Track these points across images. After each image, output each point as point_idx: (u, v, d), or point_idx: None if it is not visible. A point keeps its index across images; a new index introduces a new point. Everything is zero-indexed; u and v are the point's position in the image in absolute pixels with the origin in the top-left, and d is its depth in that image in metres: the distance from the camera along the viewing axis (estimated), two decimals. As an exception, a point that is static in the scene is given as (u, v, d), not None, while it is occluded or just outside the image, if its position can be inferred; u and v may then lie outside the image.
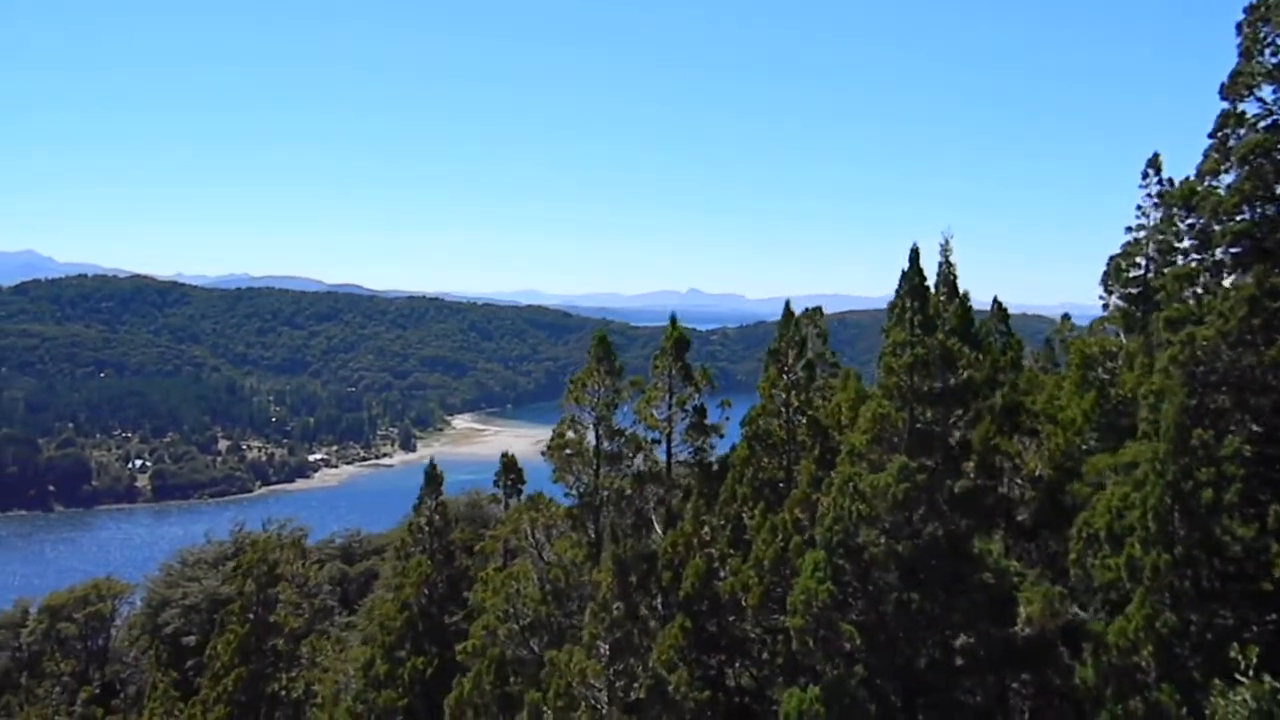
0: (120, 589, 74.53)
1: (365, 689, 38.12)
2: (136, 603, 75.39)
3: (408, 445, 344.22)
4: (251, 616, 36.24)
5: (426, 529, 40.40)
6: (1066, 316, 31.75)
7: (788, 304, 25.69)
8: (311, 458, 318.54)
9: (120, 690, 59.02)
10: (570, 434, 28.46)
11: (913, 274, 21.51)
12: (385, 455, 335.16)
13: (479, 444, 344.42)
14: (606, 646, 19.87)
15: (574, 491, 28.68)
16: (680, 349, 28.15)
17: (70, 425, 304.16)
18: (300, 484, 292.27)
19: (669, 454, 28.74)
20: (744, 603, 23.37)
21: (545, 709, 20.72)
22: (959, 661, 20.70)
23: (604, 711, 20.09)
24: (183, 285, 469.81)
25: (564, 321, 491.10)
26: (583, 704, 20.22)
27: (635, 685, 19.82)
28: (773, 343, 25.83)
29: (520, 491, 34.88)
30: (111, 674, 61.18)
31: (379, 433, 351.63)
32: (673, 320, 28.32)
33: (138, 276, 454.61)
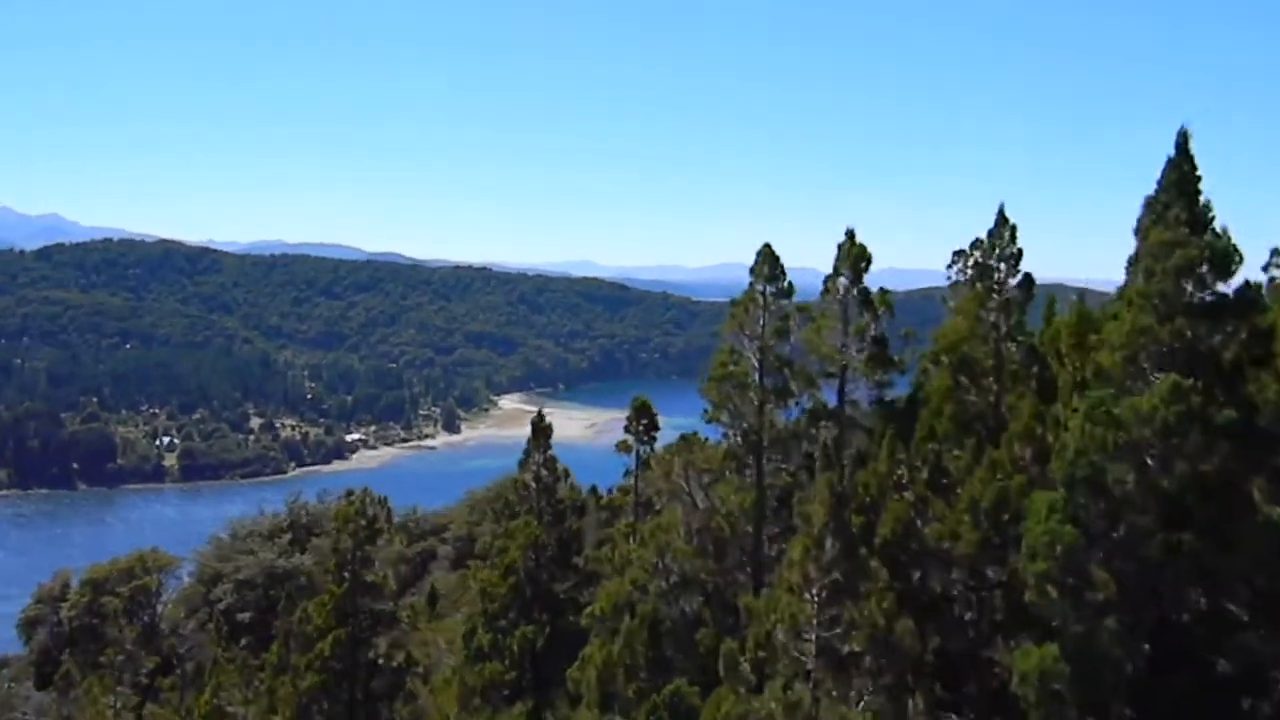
0: (167, 562, 75.69)
1: (468, 660, 37.78)
2: (184, 577, 76.50)
3: (451, 426, 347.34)
4: (347, 575, 35.88)
5: (534, 485, 39.93)
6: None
7: (1001, 207, 24.11)
8: (349, 438, 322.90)
9: (177, 666, 59.73)
10: (731, 365, 27.33)
11: (1180, 161, 19.91)
12: (427, 436, 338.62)
13: (527, 426, 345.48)
14: (818, 589, 18.75)
15: (733, 431, 27.61)
16: (859, 266, 26.81)
17: (95, 399, 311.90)
18: (337, 465, 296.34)
19: (842, 389, 27.51)
20: (954, 552, 22.07)
21: (742, 660, 19.73)
22: (1233, 617, 19.22)
23: (809, 664, 19.00)
24: (214, 251, 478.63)
25: (620, 295, 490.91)
26: (784, 656, 19.15)
27: (852, 634, 18.68)
28: (979, 250, 24.36)
29: (654, 439, 33.94)
30: (168, 648, 61.95)
31: (420, 413, 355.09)
32: (850, 236, 26.90)
33: (166, 242, 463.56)
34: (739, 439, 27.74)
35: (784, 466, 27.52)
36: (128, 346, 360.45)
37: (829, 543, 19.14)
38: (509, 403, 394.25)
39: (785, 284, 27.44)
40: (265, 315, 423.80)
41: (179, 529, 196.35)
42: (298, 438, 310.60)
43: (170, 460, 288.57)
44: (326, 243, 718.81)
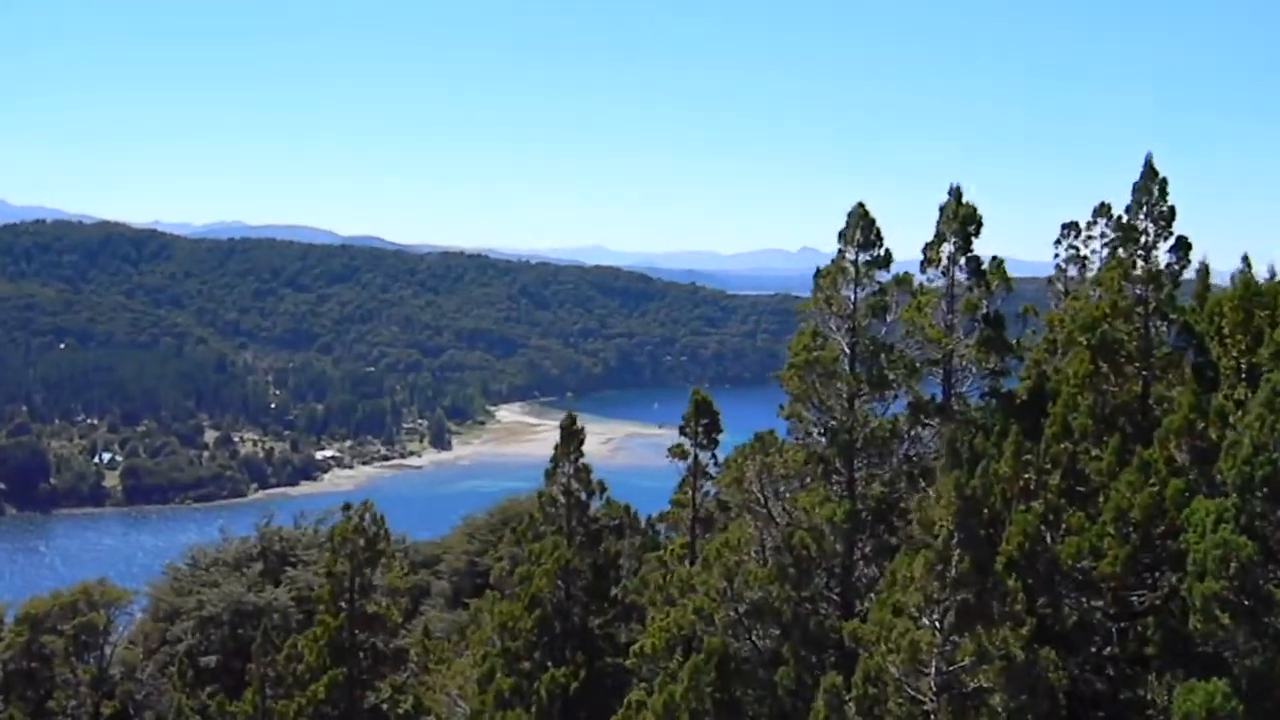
0: (117, 595, 75.54)
1: (485, 708, 37.49)
2: (136, 613, 76.55)
3: (440, 442, 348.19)
4: (344, 605, 35.64)
5: (563, 500, 39.60)
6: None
7: (1149, 158, 23.56)
8: (320, 455, 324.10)
9: (134, 715, 59.66)
10: (815, 350, 26.88)
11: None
12: (412, 454, 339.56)
13: (530, 442, 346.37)
14: (940, 612, 18.29)
15: (818, 430, 27.20)
16: (967, 230, 26.35)
17: (23, 408, 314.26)
18: (306, 487, 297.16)
19: (948, 379, 27.05)
20: (1096, 570, 21.58)
21: (847, 699, 19.31)
22: None
23: (929, 703, 18.55)
24: (162, 235, 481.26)
25: (641, 286, 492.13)
26: (898, 693, 18.70)
27: (982, 667, 18.19)
28: (1130, 211, 23.85)
29: (715, 442, 33.63)
30: (122, 694, 61.90)
31: (404, 425, 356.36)
32: (957, 194, 26.42)
33: (107, 224, 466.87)
34: (825, 439, 27.30)
35: (879, 472, 27.08)
36: (61, 346, 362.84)
37: (955, 557, 18.68)
38: (509, 414, 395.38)
39: (881, 252, 26.96)
40: (222, 309, 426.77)
41: (124, 559, 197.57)
42: (260, 454, 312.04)
43: (111, 480, 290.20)
44: (294, 224, 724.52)
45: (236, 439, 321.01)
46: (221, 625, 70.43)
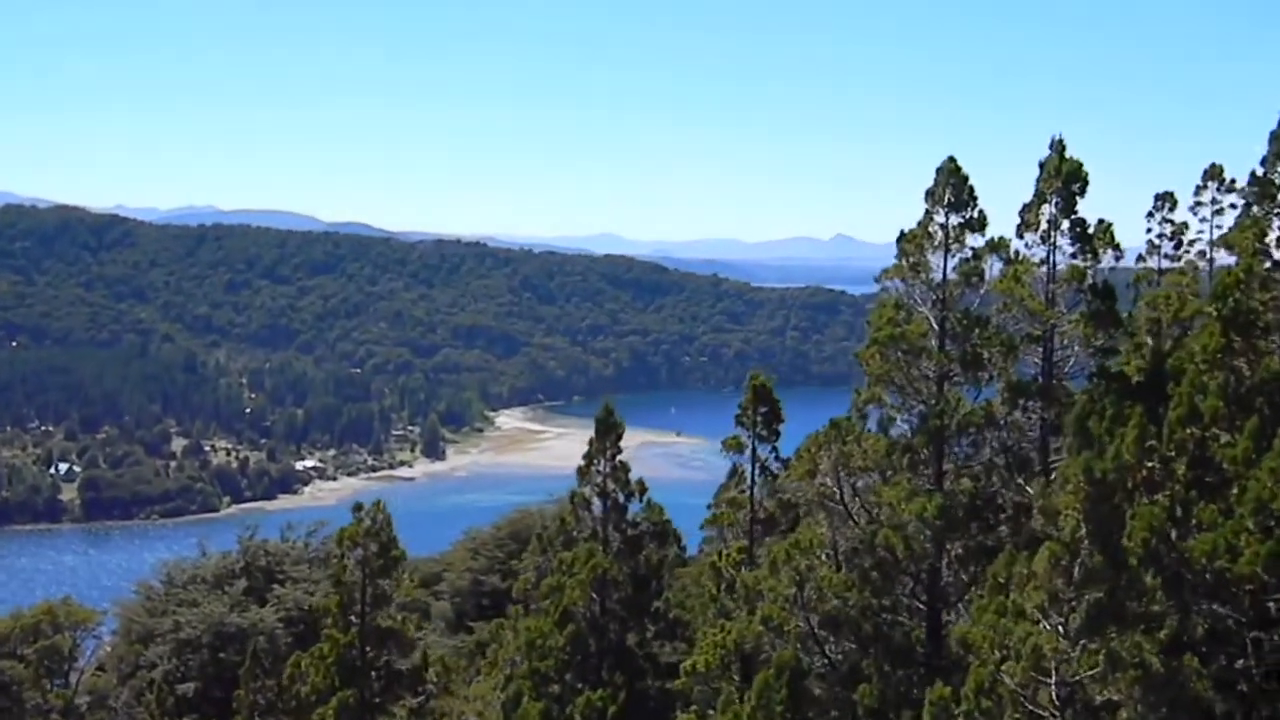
0: (84, 617, 75.64)
1: (512, 737, 37.28)
2: (104, 636, 76.53)
3: (434, 451, 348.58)
4: (355, 619, 35.40)
5: (599, 502, 39.39)
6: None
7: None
8: (300, 465, 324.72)
9: (108, 748, 59.59)
10: (899, 324, 26.46)
11: None
12: (403, 464, 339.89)
13: (533, 450, 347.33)
14: (1065, 613, 17.82)
15: (901, 414, 26.79)
16: (1071, 189, 25.89)
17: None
18: (284, 501, 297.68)
19: (1049, 357, 26.62)
20: (1231, 571, 21.06)
21: (957, 712, 18.85)
22: None
23: (1049, 715, 18.09)
24: (125, 220, 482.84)
25: (658, 278, 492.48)
26: (1015, 707, 18.25)
27: (1114, 676, 17.71)
28: (1266, 163, 23.35)
29: (776, 433, 33.25)
30: (94, 724, 61.84)
31: (394, 433, 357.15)
32: (1059, 148, 25.91)
33: (64, 208, 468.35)
34: (911, 425, 26.87)
35: (972, 463, 26.62)
36: (13, 344, 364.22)
37: (1084, 550, 18.21)
38: (510, 420, 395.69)
39: (974, 213, 26.47)
40: (192, 303, 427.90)
41: (85, 580, 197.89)
42: (233, 465, 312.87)
43: (69, 493, 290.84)
44: (272, 209, 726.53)
45: (207, 448, 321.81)
46: (201, 649, 70.29)
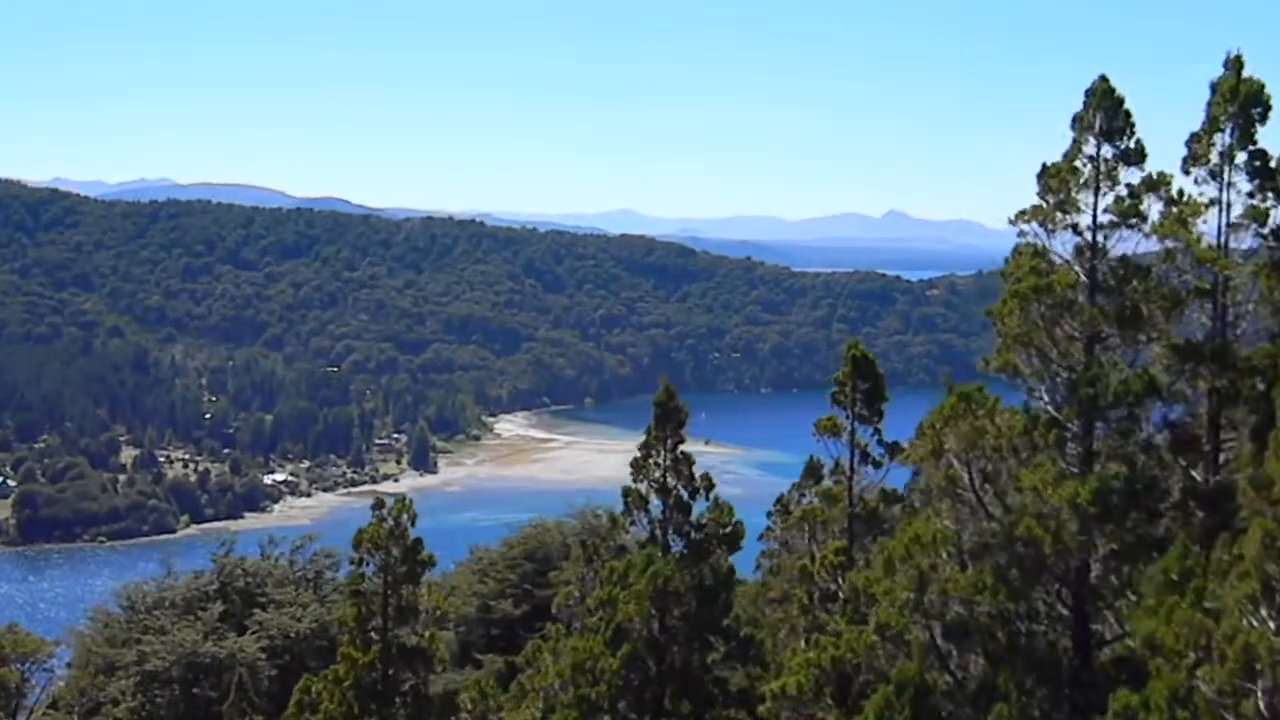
0: (33, 647, 75.40)
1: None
2: (56, 669, 76.39)
3: (423, 463, 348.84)
4: (375, 635, 35.09)
5: (658, 501, 39.34)
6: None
7: None
8: (269, 479, 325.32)
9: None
10: (1042, 274, 25.82)
11: None
12: (387, 478, 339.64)
13: (539, 461, 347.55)
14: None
15: (1043, 387, 26.19)
16: (1249, 116, 25.23)
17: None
18: (251, 520, 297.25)
19: (1221, 315, 26.00)
20: None
21: (1145, 724, 18.28)
22: None
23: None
24: (66, 196, 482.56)
25: (683, 262, 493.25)
26: (1207, 713, 17.69)
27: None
28: None
29: (879, 413, 32.73)
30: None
31: (377, 441, 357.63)
32: (1236, 64, 25.22)
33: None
34: (1056, 396, 26.25)
35: (1125, 443, 25.98)
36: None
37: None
38: (511, 426, 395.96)
39: (1132, 143, 25.83)
40: (143, 292, 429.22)
41: (22, 612, 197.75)
42: (192, 479, 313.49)
43: (2, 511, 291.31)
44: (236, 184, 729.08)
45: (162, 459, 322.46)
46: (171, 683, 70.18)
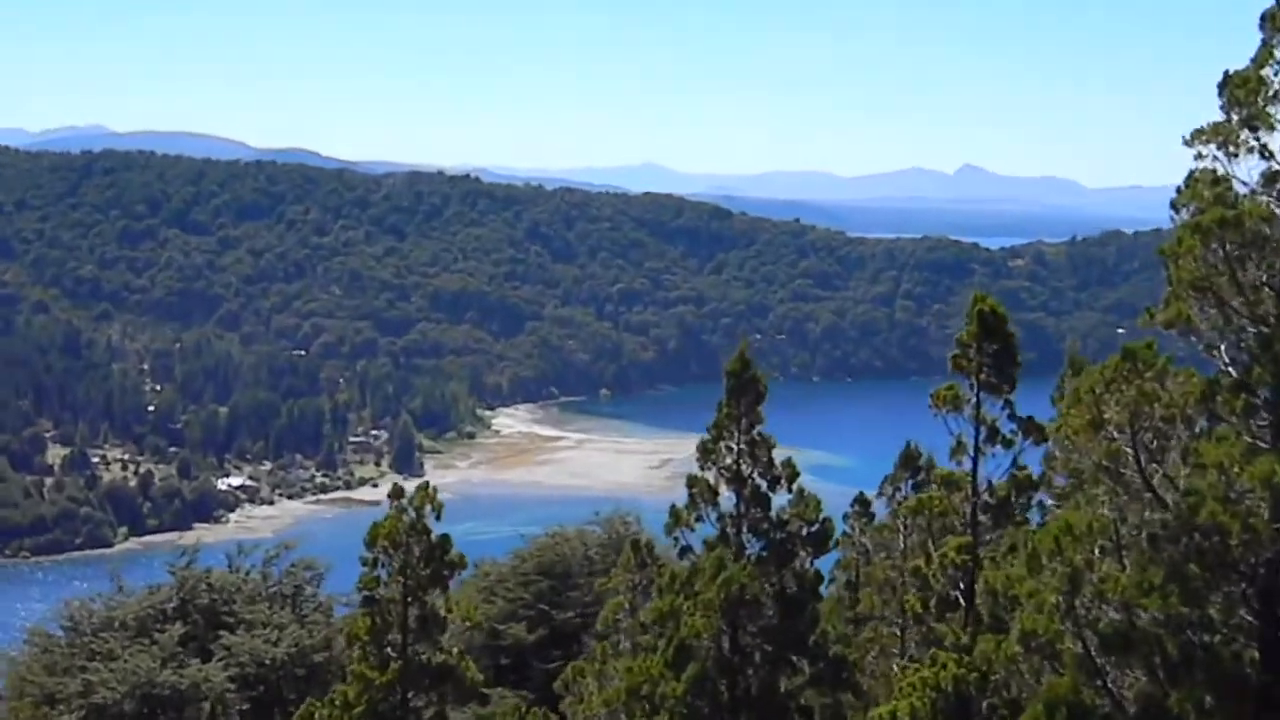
0: (-45, 675, 75.96)
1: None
2: (-16, 703, 76.74)
3: (407, 465, 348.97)
4: (393, 652, 35.00)
5: (730, 492, 39.51)
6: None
7: None
8: (223, 484, 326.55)
9: None
10: (1223, 203, 25.29)
11: None
12: (365, 483, 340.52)
13: (545, 464, 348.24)
14: None
15: (1225, 343, 25.65)
16: None
17: None
18: (201, 532, 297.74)
19: None
20: None
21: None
22: None
23: None
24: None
25: (718, 226, 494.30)
26: None
27: None
28: None
29: (1012, 380, 32.50)
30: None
31: (351, 439, 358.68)
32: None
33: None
34: (1239, 357, 25.72)
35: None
36: None
37: None
38: (511, 421, 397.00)
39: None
40: (73, 260, 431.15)
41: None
42: (131, 483, 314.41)
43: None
44: (184, 132, 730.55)
45: (96, 460, 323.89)
46: (122, 718, 70.28)
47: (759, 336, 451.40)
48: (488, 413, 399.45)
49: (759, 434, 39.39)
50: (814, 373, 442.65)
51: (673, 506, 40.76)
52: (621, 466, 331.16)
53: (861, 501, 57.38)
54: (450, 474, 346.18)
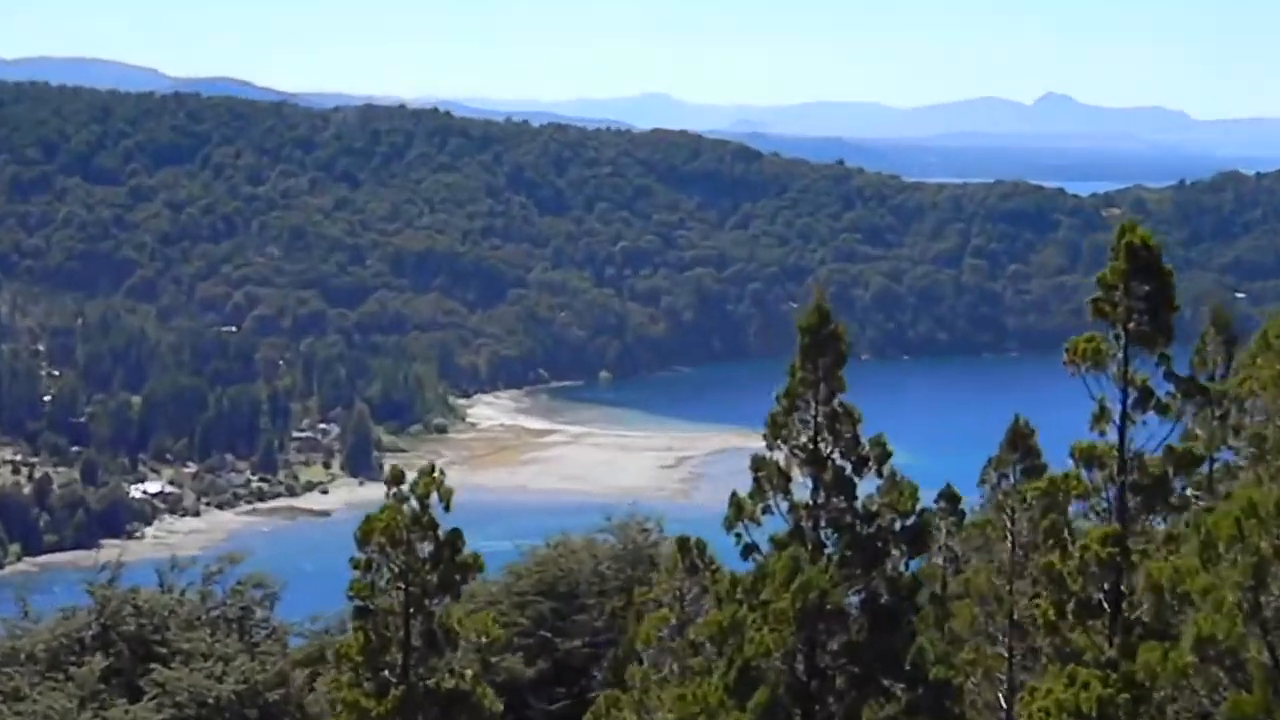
0: None
1: None
2: None
3: (363, 466, 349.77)
4: (391, 674, 34.85)
5: (805, 476, 39.62)
6: None
7: None
8: (137, 491, 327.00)
9: None
10: None
11: None
12: (311, 487, 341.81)
13: (531, 463, 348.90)
14: None
15: None
16: None
17: None
18: (109, 551, 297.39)
19: None
20: None
21: None
22: None
23: None
24: None
25: (744, 170, 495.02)
26: None
27: None
28: None
29: (1168, 328, 32.34)
30: None
31: (295, 435, 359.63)
32: None
33: None
34: None
35: None
36: None
37: None
38: (491, 411, 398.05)
39: None
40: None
41: None
42: (24, 490, 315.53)
43: None
44: (87, 58, 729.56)
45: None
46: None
47: (794, 305, 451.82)
48: (462, 401, 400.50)
49: (841, 404, 39.33)
50: (862, 349, 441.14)
51: (733, 495, 40.70)
52: (627, 467, 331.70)
53: (949, 497, 57.20)
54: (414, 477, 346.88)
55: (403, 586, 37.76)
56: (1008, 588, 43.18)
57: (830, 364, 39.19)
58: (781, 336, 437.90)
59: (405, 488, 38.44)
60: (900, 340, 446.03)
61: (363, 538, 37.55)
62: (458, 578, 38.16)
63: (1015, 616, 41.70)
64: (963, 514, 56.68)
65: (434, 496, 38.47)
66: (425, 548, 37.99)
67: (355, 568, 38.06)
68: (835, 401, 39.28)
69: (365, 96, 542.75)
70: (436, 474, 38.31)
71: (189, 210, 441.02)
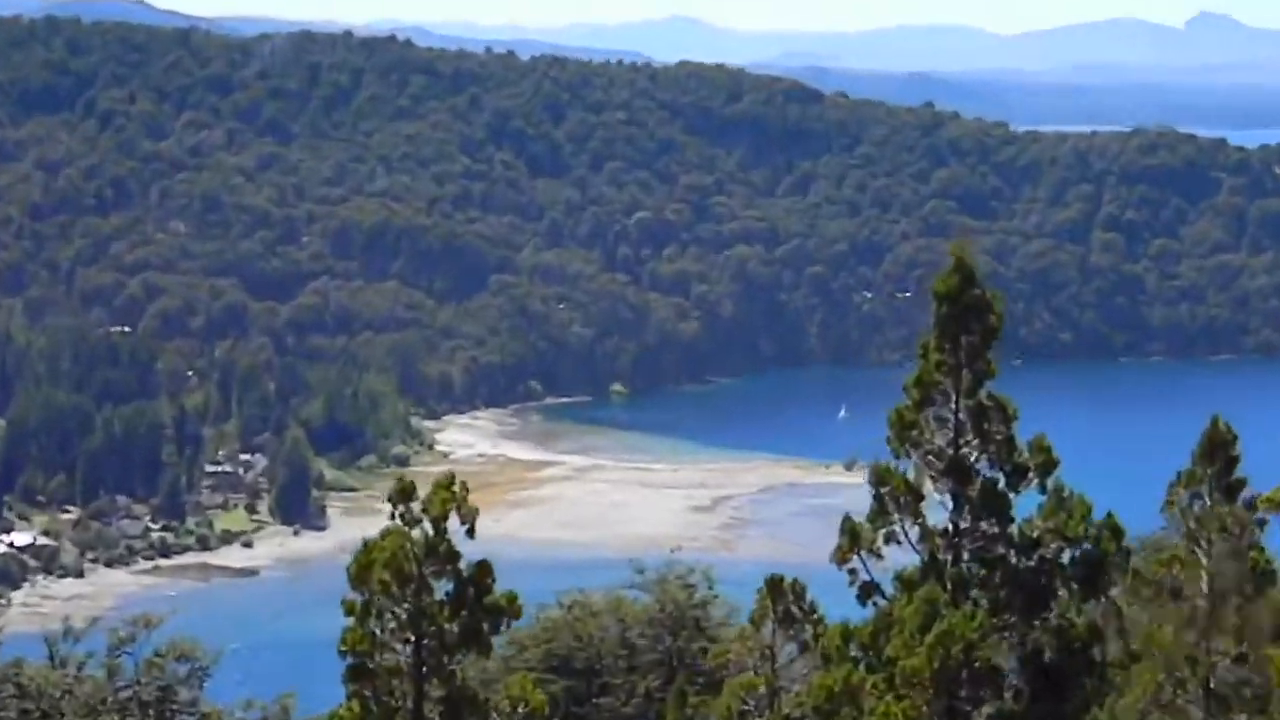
0: None
1: None
2: None
3: (298, 511, 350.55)
4: None
5: (943, 491, 39.24)
6: None
7: None
8: (1, 542, 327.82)
9: None
10: None
11: None
12: (232, 538, 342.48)
13: (520, 505, 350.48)
14: None
15: None
16: None
17: None
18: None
19: None
20: None
21: None
22: None
23: None
24: None
25: (801, 115, 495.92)
26: None
27: None
28: None
29: None
30: None
31: (209, 469, 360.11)
32: None
33: None
34: None
35: None
36: None
37: None
38: (467, 436, 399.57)
39: None
40: None
41: None
42: None
43: None
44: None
45: None
46: None
47: (868, 295, 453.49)
48: (429, 424, 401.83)
49: (990, 396, 39.24)
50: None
51: (846, 519, 40.64)
52: (648, 510, 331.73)
53: (1112, 529, 57.29)
54: (370, 524, 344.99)
55: (413, 638, 37.67)
56: (1203, 645, 43.11)
57: (976, 344, 39.17)
58: (849, 337, 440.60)
59: (415, 506, 38.04)
60: (1010, 339, 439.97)
61: (359, 574, 37.59)
62: (486, 626, 38.05)
63: (1212, 684, 41.67)
64: (1128, 552, 56.96)
65: (453, 518, 37.99)
66: (443, 586, 37.58)
67: (349, 614, 38.08)
68: (983, 393, 39.26)
69: (300, 22, 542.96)
70: (456, 489, 38.03)
71: (67, 173, 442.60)
